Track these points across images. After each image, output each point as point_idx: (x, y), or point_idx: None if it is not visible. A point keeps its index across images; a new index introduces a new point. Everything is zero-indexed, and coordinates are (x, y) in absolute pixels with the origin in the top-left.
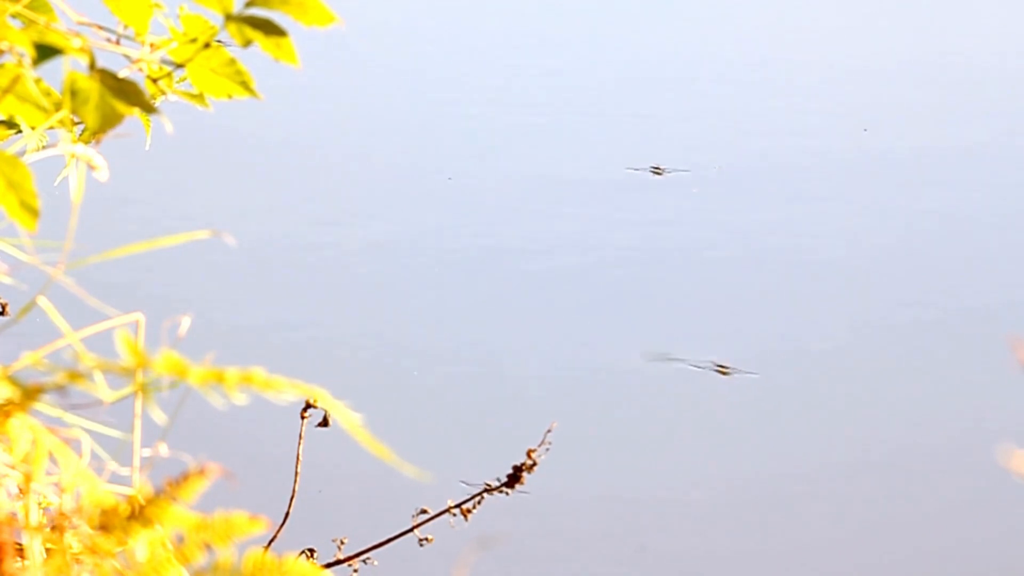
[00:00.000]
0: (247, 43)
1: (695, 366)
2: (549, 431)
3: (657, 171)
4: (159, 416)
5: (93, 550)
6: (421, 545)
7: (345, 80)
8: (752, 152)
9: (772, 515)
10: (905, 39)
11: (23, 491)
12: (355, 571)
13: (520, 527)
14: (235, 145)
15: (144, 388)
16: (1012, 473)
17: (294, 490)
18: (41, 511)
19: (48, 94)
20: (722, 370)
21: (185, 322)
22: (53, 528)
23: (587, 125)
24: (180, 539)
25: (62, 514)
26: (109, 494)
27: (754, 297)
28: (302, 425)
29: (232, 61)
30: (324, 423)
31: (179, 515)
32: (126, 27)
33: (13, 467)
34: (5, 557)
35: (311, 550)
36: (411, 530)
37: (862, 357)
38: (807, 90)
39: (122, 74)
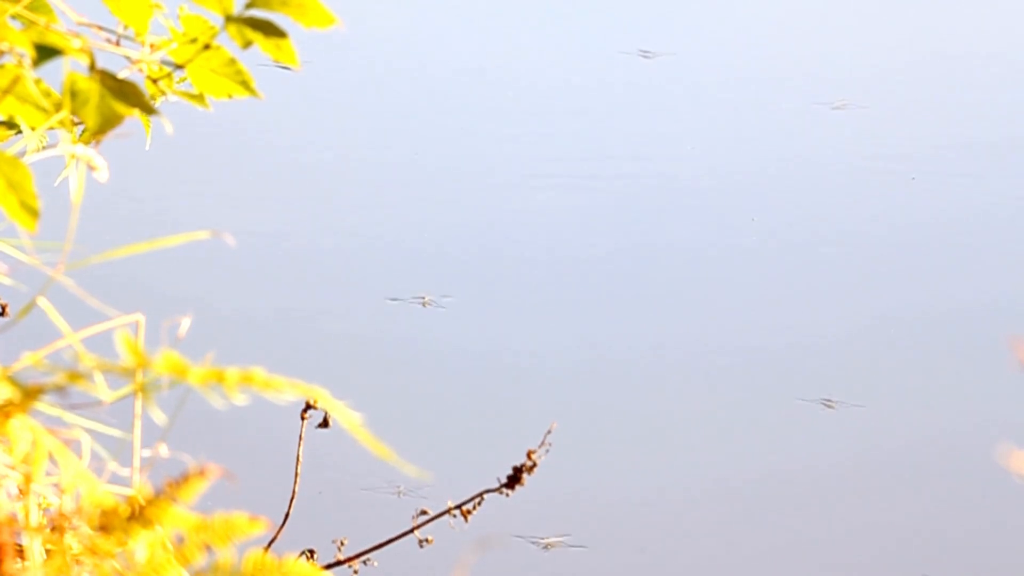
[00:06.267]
0: (247, 44)
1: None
2: (549, 431)
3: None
4: (159, 416)
5: (93, 551)
6: (421, 546)
7: (343, 77)
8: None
9: (771, 514)
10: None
11: (23, 492)
12: (355, 572)
13: (520, 527)
14: (235, 144)
15: (144, 388)
16: (1012, 473)
17: (294, 490)
18: (41, 512)
19: (48, 95)
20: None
21: (185, 322)
22: (53, 529)
23: (572, 122)
24: (180, 540)
25: (62, 515)
26: (109, 494)
27: (745, 291)
28: (302, 425)
29: (232, 61)
30: (324, 423)
31: (179, 515)
32: (126, 27)
33: (13, 467)
34: (5, 558)
35: (311, 550)
36: (411, 530)
37: (861, 356)
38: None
39: (122, 75)
